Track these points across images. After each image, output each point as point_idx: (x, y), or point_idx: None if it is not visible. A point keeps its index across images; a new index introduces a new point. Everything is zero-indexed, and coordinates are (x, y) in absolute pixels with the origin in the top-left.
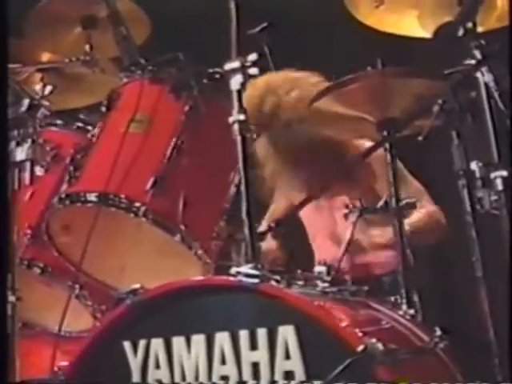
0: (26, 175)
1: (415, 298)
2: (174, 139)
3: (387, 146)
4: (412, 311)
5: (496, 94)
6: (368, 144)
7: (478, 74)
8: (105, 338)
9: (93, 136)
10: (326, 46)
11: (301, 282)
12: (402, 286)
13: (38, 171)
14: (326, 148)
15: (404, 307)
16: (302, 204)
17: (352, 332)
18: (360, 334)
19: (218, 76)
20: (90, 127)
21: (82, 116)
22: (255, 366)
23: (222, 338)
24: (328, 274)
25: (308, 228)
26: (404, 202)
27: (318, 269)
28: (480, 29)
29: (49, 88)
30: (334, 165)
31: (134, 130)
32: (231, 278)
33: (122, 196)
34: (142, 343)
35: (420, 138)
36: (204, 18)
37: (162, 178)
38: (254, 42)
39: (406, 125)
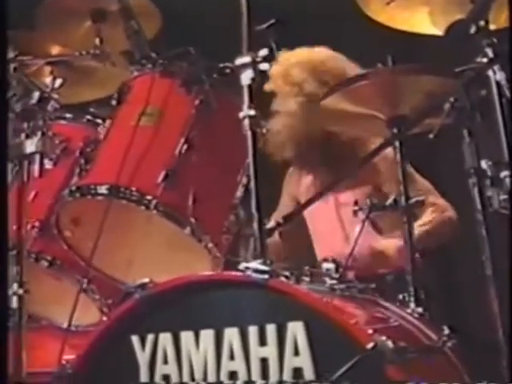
0: (36, 168)
1: (423, 296)
2: (184, 133)
3: (396, 143)
4: (420, 309)
5: (507, 93)
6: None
7: (490, 73)
8: (113, 333)
9: (103, 129)
10: (336, 42)
11: (307, 279)
12: (410, 284)
13: (47, 164)
14: (336, 143)
15: (412, 305)
16: (311, 201)
17: (362, 329)
18: (370, 332)
19: (228, 71)
20: (99, 120)
21: (91, 109)
22: (264, 362)
23: (231, 334)
24: (336, 270)
25: (309, 224)
26: (413, 199)
27: (326, 265)
28: (492, 27)
29: (59, 81)
30: (343, 161)
31: (144, 123)
32: (240, 274)
33: (133, 189)
34: (150, 338)
35: (431, 136)
36: (215, 13)
37: (172, 171)
38: (263, 38)
39: (417, 123)
